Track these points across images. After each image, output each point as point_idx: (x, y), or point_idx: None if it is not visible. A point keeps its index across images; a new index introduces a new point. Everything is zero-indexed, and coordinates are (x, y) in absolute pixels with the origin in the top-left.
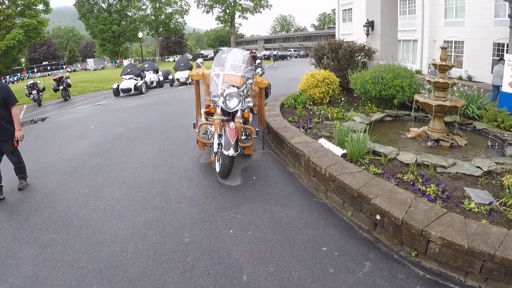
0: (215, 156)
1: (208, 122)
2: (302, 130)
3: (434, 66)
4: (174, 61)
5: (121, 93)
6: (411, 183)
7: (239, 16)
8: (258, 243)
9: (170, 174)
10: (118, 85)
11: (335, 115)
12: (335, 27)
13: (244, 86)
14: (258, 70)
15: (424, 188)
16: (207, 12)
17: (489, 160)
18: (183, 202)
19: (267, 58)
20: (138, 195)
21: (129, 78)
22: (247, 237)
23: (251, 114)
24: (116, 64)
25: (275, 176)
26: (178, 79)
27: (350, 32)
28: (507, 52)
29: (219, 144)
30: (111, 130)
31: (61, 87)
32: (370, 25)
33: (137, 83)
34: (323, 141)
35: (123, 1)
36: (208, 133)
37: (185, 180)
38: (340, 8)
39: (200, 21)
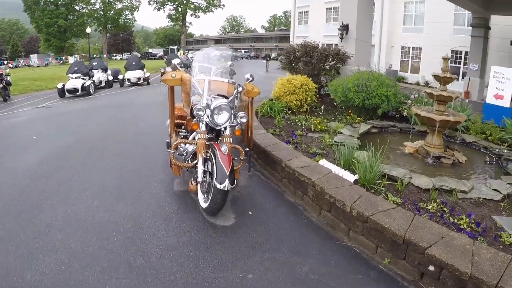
0: (197, 184)
1: (186, 141)
2: (292, 146)
3: (436, 78)
4: (122, 59)
5: (67, 93)
6: (440, 214)
7: (191, 15)
8: None
9: (139, 208)
10: (64, 85)
11: (319, 127)
12: (286, 29)
13: (233, 96)
14: (248, 75)
15: (455, 220)
16: (159, 9)
17: (503, 182)
18: (166, 256)
19: None
20: (101, 245)
21: (76, 77)
22: None
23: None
24: (62, 61)
25: (275, 210)
26: (129, 79)
27: (306, 34)
28: (465, 60)
29: (206, 171)
30: (58, 140)
31: (0, 86)
32: (344, 28)
33: (84, 83)
34: (325, 163)
35: None
36: (184, 154)
37: (160, 218)
38: (296, 11)
39: (149, 19)
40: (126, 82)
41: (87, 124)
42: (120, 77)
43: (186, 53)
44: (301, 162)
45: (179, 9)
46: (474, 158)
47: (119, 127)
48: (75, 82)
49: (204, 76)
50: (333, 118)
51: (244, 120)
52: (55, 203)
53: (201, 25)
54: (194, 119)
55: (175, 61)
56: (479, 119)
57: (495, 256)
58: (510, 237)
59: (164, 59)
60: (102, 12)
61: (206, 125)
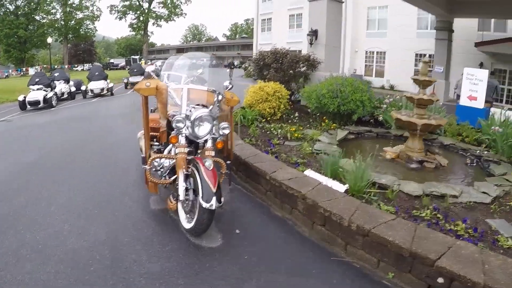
0: (177, 203)
1: (164, 156)
2: (272, 156)
3: (416, 81)
4: (83, 70)
5: (28, 106)
6: (435, 221)
7: (153, 24)
8: None
9: (115, 230)
10: (25, 97)
11: (295, 135)
12: (248, 37)
13: (214, 105)
14: (226, 83)
15: (452, 227)
16: (120, 18)
17: (490, 184)
18: (152, 287)
19: None
20: (77, 277)
21: (38, 89)
22: None
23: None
24: (22, 73)
25: (264, 226)
26: (92, 90)
27: (269, 41)
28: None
29: (188, 189)
30: (20, 157)
31: None
32: (313, 34)
33: (46, 95)
34: (311, 173)
35: (32, 4)
36: (160, 169)
37: (140, 242)
38: (259, 18)
39: (110, 28)
40: (89, 93)
41: (52, 138)
42: (83, 88)
43: (154, 62)
44: (287, 174)
45: (141, 18)
46: (454, 160)
47: (87, 141)
48: (36, 94)
49: (182, 85)
50: (308, 125)
51: (226, 131)
52: (21, 228)
53: (163, 34)
54: (173, 131)
55: (149, 69)
56: (454, 121)
57: (504, 263)
58: (508, 240)
59: (127, 68)
60: (63, 22)
61: (186, 137)
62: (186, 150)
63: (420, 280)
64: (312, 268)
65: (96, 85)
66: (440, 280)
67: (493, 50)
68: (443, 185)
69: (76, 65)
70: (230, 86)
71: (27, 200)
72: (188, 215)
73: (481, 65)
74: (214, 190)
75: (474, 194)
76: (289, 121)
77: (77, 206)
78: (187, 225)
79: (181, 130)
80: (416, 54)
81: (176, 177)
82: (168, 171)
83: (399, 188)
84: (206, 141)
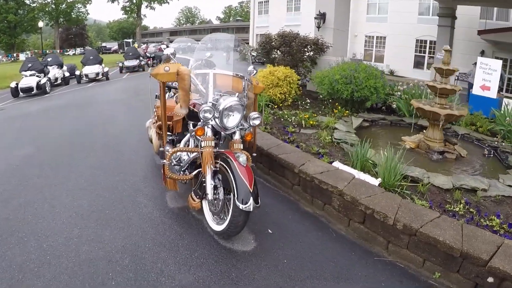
0: (201, 201)
1: (187, 149)
2: (293, 145)
3: (438, 70)
4: (74, 54)
5: (21, 93)
6: (470, 217)
7: (146, 6)
8: None
9: (132, 235)
10: (17, 84)
11: (310, 122)
12: (242, 20)
13: (243, 92)
14: (250, 67)
15: (487, 222)
16: (112, 1)
17: None
18: None
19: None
20: None
21: (31, 75)
22: None
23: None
24: (13, 59)
25: (297, 224)
26: (86, 75)
27: (267, 24)
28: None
29: (217, 187)
30: (15, 150)
31: None
32: (321, 17)
33: (40, 81)
34: (341, 166)
35: None
36: (180, 164)
37: (164, 248)
38: (256, 0)
39: (102, 12)
40: (84, 78)
41: (48, 128)
42: (77, 73)
43: (164, 44)
44: (317, 167)
45: (134, 1)
46: (472, 151)
47: (85, 131)
48: (29, 80)
49: (208, 69)
50: (320, 112)
51: (257, 122)
52: (24, 235)
53: (155, 17)
54: (199, 122)
55: (168, 51)
56: (467, 110)
57: None
58: None
59: (120, 52)
60: (53, 6)
61: (213, 129)
62: (213, 143)
63: (468, 280)
64: (357, 271)
65: (91, 70)
66: (490, 279)
67: (495, 38)
68: (471, 178)
69: (67, 50)
70: (255, 71)
71: (27, 200)
72: (216, 216)
73: (482, 53)
74: (251, 190)
75: (501, 188)
76: (300, 107)
77: (84, 206)
78: (216, 227)
79: (208, 121)
80: (417, 40)
81: (198, 172)
82: (188, 165)
83: (429, 181)
84: (234, 132)
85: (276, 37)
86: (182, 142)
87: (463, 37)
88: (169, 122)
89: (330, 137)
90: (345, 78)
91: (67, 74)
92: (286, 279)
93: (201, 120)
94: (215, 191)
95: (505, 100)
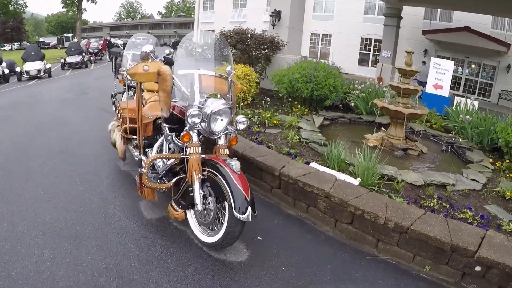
0: (185, 211)
1: (167, 156)
2: (264, 146)
3: (401, 71)
4: (11, 49)
5: None
6: (444, 211)
7: (87, 0)
8: None
9: (113, 254)
10: None
11: (273, 121)
12: (185, 15)
13: (230, 95)
14: (229, 68)
15: (461, 215)
16: None
17: (475, 171)
18: None
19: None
20: None
21: None
22: None
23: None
24: None
25: (283, 229)
26: (27, 72)
27: (212, 20)
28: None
29: (206, 196)
30: None
31: None
32: (277, 15)
33: None
34: (318, 167)
35: None
36: (155, 172)
37: (152, 266)
38: None
39: (39, 5)
40: (25, 75)
41: None
42: (18, 69)
43: (89, 41)
44: (298, 169)
45: None
46: (430, 147)
47: (37, 134)
48: None
49: (192, 69)
50: (280, 111)
51: (243, 126)
52: None
53: (95, 12)
54: (186, 128)
55: (147, 48)
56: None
57: None
58: (509, 224)
59: (59, 47)
60: None
61: (198, 134)
62: (200, 149)
63: (456, 270)
64: (354, 271)
65: (32, 66)
66: (478, 268)
67: (438, 38)
68: (439, 174)
69: (4, 44)
70: (233, 71)
71: None
72: (205, 227)
73: (425, 52)
74: (248, 198)
75: (466, 182)
76: (259, 106)
77: (51, 222)
78: (207, 238)
79: (196, 126)
80: (362, 38)
81: (177, 180)
82: (164, 172)
83: (402, 179)
84: (219, 137)
85: (231, 34)
86: (155, 147)
87: (408, 36)
88: (134, 125)
89: (297, 136)
90: (305, 77)
91: (6, 71)
92: (286, 286)
93: (188, 125)
94: (204, 201)
95: (457, 99)
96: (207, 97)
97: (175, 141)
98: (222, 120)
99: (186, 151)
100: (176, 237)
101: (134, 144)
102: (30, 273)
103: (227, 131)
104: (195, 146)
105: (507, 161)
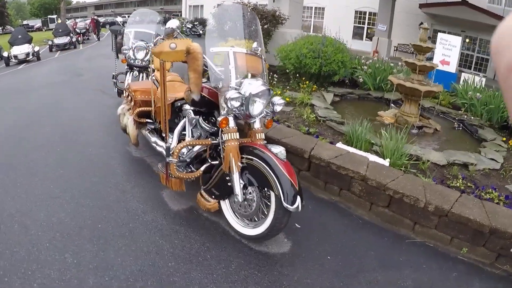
0: (218, 201)
1: (197, 142)
2: (284, 125)
3: (416, 47)
4: None
5: None
6: (471, 191)
7: None
8: None
9: (146, 254)
10: None
11: (286, 98)
12: None
13: (265, 74)
14: (255, 44)
15: (487, 195)
16: None
17: (491, 150)
18: None
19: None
20: None
21: None
22: None
23: None
24: None
25: (318, 214)
26: (15, 56)
27: None
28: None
29: (246, 186)
30: None
31: None
32: None
33: None
34: (344, 147)
35: None
36: (183, 159)
37: (192, 265)
38: None
39: None
40: (13, 60)
41: None
42: (5, 54)
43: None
44: (328, 151)
45: None
46: (442, 124)
47: (34, 122)
48: None
49: (225, 47)
50: (288, 87)
51: (280, 107)
52: (1, 273)
53: None
54: (223, 112)
55: (172, 24)
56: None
57: None
58: None
59: (44, 30)
60: None
61: (234, 118)
62: (238, 135)
63: (492, 252)
64: (397, 256)
65: (20, 50)
66: None
67: (434, 12)
68: (460, 153)
69: None
70: (260, 47)
71: None
72: (245, 218)
73: (420, 25)
74: (297, 188)
75: (486, 161)
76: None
77: (67, 221)
78: (248, 231)
79: (234, 109)
80: (356, 11)
81: (206, 167)
82: (192, 159)
83: (426, 158)
84: (254, 121)
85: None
86: (176, 132)
87: (403, 9)
88: (148, 108)
89: (313, 115)
90: (313, 52)
91: None
92: (339, 277)
93: (225, 109)
94: (244, 191)
95: (465, 75)
96: (243, 79)
97: (203, 125)
98: (260, 102)
99: (221, 136)
100: (210, 230)
101: (149, 129)
102: (55, 283)
103: (263, 114)
104: (232, 131)
105: None
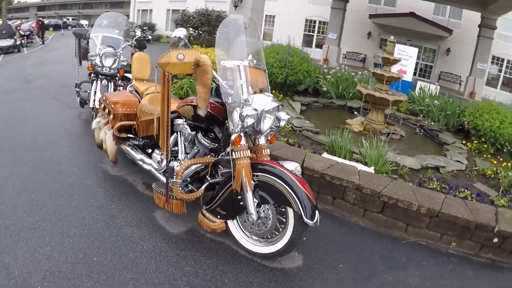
0: (226, 221)
1: (202, 160)
2: None
3: (385, 60)
4: None
5: None
6: (446, 192)
7: None
8: None
9: (159, 286)
10: None
11: None
12: None
13: (268, 88)
14: (250, 56)
15: (462, 194)
16: None
17: (455, 152)
18: None
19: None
20: None
21: None
22: None
23: None
24: None
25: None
26: None
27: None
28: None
29: (259, 204)
30: None
31: None
32: None
33: None
34: (329, 156)
35: None
36: (186, 180)
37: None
38: None
39: None
40: None
41: None
42: None
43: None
44: (319, 162)
45: None
46: (405, 130)
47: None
48: None
49: (235, 61)
50: None
51: (284, 122)
52: None
53: None
54: (236, 129)
55: (179, 33)
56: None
57: None
58: (499, 199)
59: None
60: None
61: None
62: (249, 152)
63: (477, 243)
64: (399, 257)
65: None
66: (495, 240)
67: (383, 22)
68: (431, 157)
69: None
70: (254, 61)
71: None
72: (257, 237)
73: (369, 34)
74: (315, 203)
75: (453, 163)
76: None
77: (54, 257)
78: (262, 249)
79: (247, 127)
80: (306, 20)
81: (207, 186)
82: (191, 178)
83: (402, 164)
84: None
85: (195, 15)
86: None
87: (353, 19)
88: (130, 122)
89: (289, 125)
90: (279, 62)
91: None
92: (355, 284)
93: (239, 126)
94: (257, 209)
95: (421, 83)
96: (252, 94)
97: (202, 141)
98: (270, 118)
99: (232, 154)
100: (219, 252)
101: (131, 144)
102: None
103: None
104: (244, 149)
105: (476, 142)
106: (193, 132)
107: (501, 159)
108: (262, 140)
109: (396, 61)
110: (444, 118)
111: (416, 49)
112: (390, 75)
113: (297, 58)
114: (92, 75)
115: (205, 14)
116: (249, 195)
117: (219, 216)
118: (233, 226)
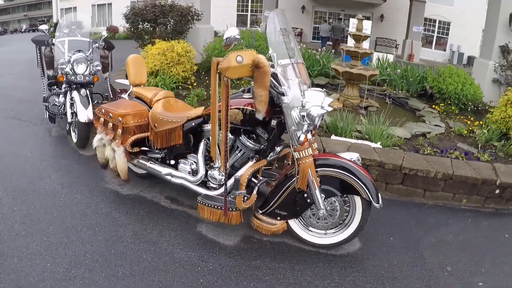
0: (287, 221)
1: (259, 165)
2: None
3: (356, 37)
4: None
5: None
6: (439, 155)
7: None
8: None
9: None
10: None
11: None
12: None
13: (309, 82)
14: (270, 51)
15: (453, 155)
16: None
17: (430, 117)
18: None
19: None
20: None
21: None
22: None
23: None
24: None
25: None
26: None
27: None
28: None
29: (325, 199)
30: None
31: None
32: None
33: None
34: (341, 138)
35: None
36: (220, 185)
37: None
38: None
39: None
40: None
41: None
42: None
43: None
44: (337, 145)
45: None
46: (377, 101)
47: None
48: None
49: (285, 59)
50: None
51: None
52: None
53: None
54: (302, 130)
55: (232, 32)
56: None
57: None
58: (483, 155)
59: None
60: None
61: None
62: (311, 151)
63: (483, 196)
64: (428, 222)
65: None
66: (497, 191)
67: None
68: (416, 125)
69: None
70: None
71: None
72: (322, 229)
73: (303, 8)
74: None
75: (434, 128)
76: (205, 84)
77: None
78: (328, 240)
79: (303, 128)
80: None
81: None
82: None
83: (396, 135)
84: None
85: (148, 8)
86: (200, 156)
87: None
88: (144, 134)
89: None
90: (246, 47)
91: None
92: (411, 251)
93: (305, 126)
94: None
95: (376, 54)
96: (304, 90)
97: (248, 143)
98: (321, 117)
99: (293, 155)
100: (285, 253)
101: (149, 158)
102: None
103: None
104: (306, 148)
105: (442, 104)
106: (232, 136)
107: (471, 118)
108: (309, 135)
109: (366, 37)
110: (407, 85)
111: (370, 22)
112: (364, 51)
113: (263, 43)
114: (64, 85)
115: (158, 5)
116: (317, 192)
117: (279, 218)
118: (295, 224)
